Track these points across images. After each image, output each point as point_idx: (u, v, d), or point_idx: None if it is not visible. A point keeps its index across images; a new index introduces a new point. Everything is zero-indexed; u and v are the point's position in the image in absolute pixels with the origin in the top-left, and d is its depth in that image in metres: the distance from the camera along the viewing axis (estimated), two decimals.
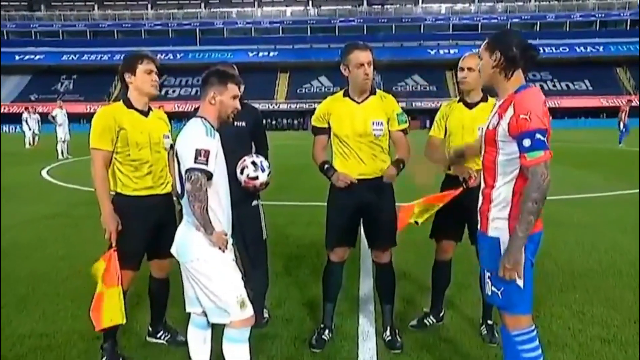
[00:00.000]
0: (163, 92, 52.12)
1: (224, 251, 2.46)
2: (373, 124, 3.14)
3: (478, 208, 2.41)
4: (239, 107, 2.61)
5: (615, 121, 22.85)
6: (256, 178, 3.17)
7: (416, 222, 3.26)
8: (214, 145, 2.42)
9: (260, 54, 53.88)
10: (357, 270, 4.61)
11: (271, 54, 54.19)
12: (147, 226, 2.99)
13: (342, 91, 3.27)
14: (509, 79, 2.30)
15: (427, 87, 52.08)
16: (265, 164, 3.22)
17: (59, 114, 17.42)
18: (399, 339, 3.28)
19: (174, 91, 52.77)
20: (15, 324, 3.59)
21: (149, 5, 57.87)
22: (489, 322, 3.40)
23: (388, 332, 3.33)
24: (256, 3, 58.17)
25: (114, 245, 2.85)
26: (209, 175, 2.39)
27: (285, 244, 5.65)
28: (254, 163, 3.17)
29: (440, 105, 3.57)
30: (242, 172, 3.16)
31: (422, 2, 57.37)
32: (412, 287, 4.25)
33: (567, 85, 51.67)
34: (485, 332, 3.38)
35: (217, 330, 2.64)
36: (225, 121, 2.59)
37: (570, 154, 16.82)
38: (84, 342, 3.29)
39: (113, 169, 2.96)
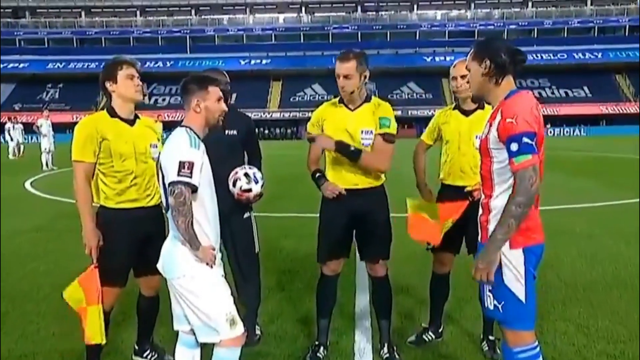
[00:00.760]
0: (152, 100, 52.13)
1: (211, 267, 2.41)
2: (362, 132, 3.11)
3: (478, 219, 2.38)
4: (226, 108, 2.57)
5: (615, 129, 22.99)
6: (249, 190, 3.12)
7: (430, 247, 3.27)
8: (199, 156, 2.36)
9: (253, 61, 54.01)
10: (352, 284, 4.56)
11: (263, 61, 54.35)
12: (133, 241, 2.93)
13: (338, 97, 3.24)
14: (499, 86, 2.30)
15: (423, 94, 52.36)
16: (259, 175, 3.18)
17: (44, 124, 17.35)
18: (396, 356, 3.23)
19: (163, 99, 52.71)
20: None
21: (138, 12, 57.97)
22: (491, 337, 3.36)
23: (385, 349, 3.28)
24: (248, 10, 58.43)
25: (95, 261, 2.79)
26: (194, 189, 2.33)
27: (278, 257, 5.60)
28: (246, 175, 3.13)
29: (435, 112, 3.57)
30: (234, 185, 3.12)
31: (417, 9, 57.85)
32: (409, 302, 4.20)
33: (565, 92, 52.09)
34: (487, 348, 3.34)
35: (207, 349, 2.58)
36: (215, 126, 2.54)
37: (569, 162, 16.89)
38: None
39: (96, 180, 2.91)
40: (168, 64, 53.25)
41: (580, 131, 49.14)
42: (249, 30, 57.29)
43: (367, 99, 3.19)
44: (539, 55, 52.94)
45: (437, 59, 52.09)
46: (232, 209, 3.20)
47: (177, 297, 2.45)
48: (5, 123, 23.35)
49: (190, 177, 2.30)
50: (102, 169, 2.88)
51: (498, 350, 3.23)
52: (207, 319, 2.39)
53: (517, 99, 2.25)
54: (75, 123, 3.04)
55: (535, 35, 55.40)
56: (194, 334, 2.49)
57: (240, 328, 2.44)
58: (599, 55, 52.38)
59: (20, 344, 3.52)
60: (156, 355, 3.27)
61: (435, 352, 3.37)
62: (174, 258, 2.43)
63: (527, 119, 2.15)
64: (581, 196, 9.61)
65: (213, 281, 2.43)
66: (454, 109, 3.40)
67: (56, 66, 53.63)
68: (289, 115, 50.16)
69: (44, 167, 16.63)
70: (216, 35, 57.24)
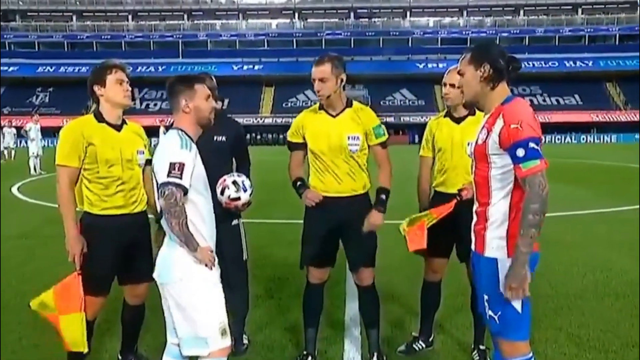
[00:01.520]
0: (144, 105, 51.92)
1: (211, 268, 2.36)
2: (349, 138, 3.07)
3: (472, 227, 2.35)
4: (217, 105, 2.53)
5: (606, 135, 23.19)
6: (238, 199, 3.08)
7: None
8: (190, 157, 2.32)
9: (245, 67, 54.00)
10: (342, 292, 4.52)
11: (256, 67, 54.35)
12: (117, 248, 2.87)
13: (318, 104, 3.21)
14: (494, 91, 2.28)
15: (416, 101, 52.55)
16: (247, 183, 3.14)
17: (33, 128, 17.24)
18: None
19: (155, 104, 52.47)
20: None
21: (130, 17, 57.82)
22: (481, 347, 3.33)
23: (375, 359, 3.24)
24: (241, 15, 58.47)
25: (78, 268, 2.73)
26: (185, 190, 2.28)
27: (267, 264, 5.54)
28: (235, 183, 3.09)
29: (428, 120, 3.54)
30: (222, 193, 3.08)
31: (410, 16, 58.15)
32: (399, 310, 4.17)
33: (557, 100, 52.50)
34: (478, 357, 3.32)
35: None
36: (208, 125, 2.49)
37: (560, 170, 16.97)
38: None
39: (80, 186, 2.85)
40: (160, 69, 53.06)
41: (571, 139, 49.50)
42: (241, 36, 57.27)
43: (349, 104, 3.15)
44: (530, 63, 53.30)
45: (429, 65, 52.31)
46: (220, 216, 3.14)
47: (171, 305, 2.38)
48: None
49: (181, 178, 2.26)
50: (87, 174, 2.83)
51: None
52: (199, 328, 2.32)
53: (517, 104, 2.23)
54: None
55: (527, 43, 55.83)
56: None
57: (229, 338, 2.39)
58: (590, 64, 52.89)
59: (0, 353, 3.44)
60: None
61: None
62: (169, 262, 2.37)
63: (531, 124, 2.14)
64: (572, 204, 9.63)
65: (209, 286, 2.37)
66: (445, 116, 3.38)
67: (46, 70, 53.31)
68: (281, 121, 50.03)
69: (32, 172, 16.49)
70: (209, 41, 57.18)
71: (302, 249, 3.26)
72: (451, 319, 3.92)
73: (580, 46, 54.92)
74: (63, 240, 2.82)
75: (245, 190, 3.09)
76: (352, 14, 57.79)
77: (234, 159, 3.47)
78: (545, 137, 43.64)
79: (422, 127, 3.57)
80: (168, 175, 2.25)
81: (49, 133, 29.84)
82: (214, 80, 3.43)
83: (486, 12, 57.68)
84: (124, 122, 2.98)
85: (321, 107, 3.17)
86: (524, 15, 57.04)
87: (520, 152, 2.10)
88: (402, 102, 52.44)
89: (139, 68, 51.69)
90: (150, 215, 3.10)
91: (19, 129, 22.19)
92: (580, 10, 56.29)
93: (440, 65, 51.52)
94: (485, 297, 2.28)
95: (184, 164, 2.27)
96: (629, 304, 4.25)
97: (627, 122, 48.50)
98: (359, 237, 3.13)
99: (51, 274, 4.94)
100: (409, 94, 53.08)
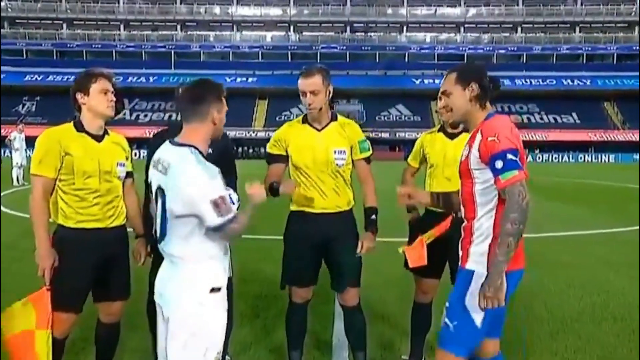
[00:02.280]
0: (133, 116, 51.91)
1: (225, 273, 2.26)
2: (335, 152, 3.05)
3: (459, 242, 2.35)
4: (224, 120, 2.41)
5: (604, 155, 23.37)
6: None
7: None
8: (220, 181, 2.17)
9: (238, 79, 54.21)
10: (330, 312, 4.44)
11: (250, 79, 54.60)
12: (91, 263, 2.80)
13: (302, 117, 3.18)
14: (484, 109, 2.35)
15: (411, 116, 52.89)
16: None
17: (17, 137, 17.13)
18: None
19: (145, 116, 52.51)
20: None
21: (122, 26, 58.07)
22: None
23: None
24: (235, 27, 58.88)
25: (47, 283, 2.66)
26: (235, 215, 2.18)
27: (254, 281, 5.46)
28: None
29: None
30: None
31: (407, 31, 58.80)
32: (389, 331, 4.09)
33: (554, 118, 53.02)
34: None
35: None
36: (217, 139, 2.38)
37: (557, 189, 17.05)
38: None
39: (55, 197, 2.78)
40: (151, 80, 53.22)
41: (568, 158, 49.91)
42: (235, 48, 57.63)
43: (334, 118, 3.14)
44: (527, 80, 53.99)
45: (425, 81, 52.75)
46: None
47: (171, 333, 2.20)
48: None
49: (230, 210, 2.15)
50: (62, 185, 2.76)
51: None
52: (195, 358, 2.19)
53: (494, 119, 2.29)
54: None
55: (524, 61, 56.54)
56: None
57: None
58: (588, 82, 53.58)
59: None
60: None
61: None
62: (177, 287, 2.20)
63: (508, 136, 2.18)
64: (569, 224, 9.64)
65: (222, 314, 2.24)
66: (439, 131, 3.36)
67: (34, 78, 53.28)
68: None
69: (14, 183, 16.34)
70: (202, 52, 57.46)
71: (284, 268, 3.20)
72: None
73: (578, 64, 55.68)
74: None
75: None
76: (348, 28, 58.37)
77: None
78: (542, 156, 43.94)
79: None
80: (219, 216, 2.11)
81: (35, 143, 29.70)
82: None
83: (483, 29, 58.45)
84: (105, 132, 2.92)
85: (305, 121, 3.14)
86: (521, 32, 57.83)
87: (499, 164, 2.14)
88: (397, 118, 52.77)
89: (130, 78, 51.79)
90: (129, 229, 3.04)
91: (3, 138, 22.10)
92: (578, 29, 57.17)
93: (437, 81, 51.88)
94: (447, 304, 2.30)
95: (223, 196, 2.14)
96: (627, 328, 4.20)
97: (626, 141, 49.01)
98: (344, 255, 3.08)
99: (26, 289, 4.85)
100: (405, 110, 53.45)
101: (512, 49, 57.15)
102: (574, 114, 53.00)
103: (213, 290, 2.19)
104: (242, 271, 4.16)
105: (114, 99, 2.88)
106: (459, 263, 2.34)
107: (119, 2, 57.31)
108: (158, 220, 2.25)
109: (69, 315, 2.78)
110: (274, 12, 58.55)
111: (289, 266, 3.17)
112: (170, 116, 44.66)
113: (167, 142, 2.29)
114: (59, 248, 2.74)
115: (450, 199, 2.69)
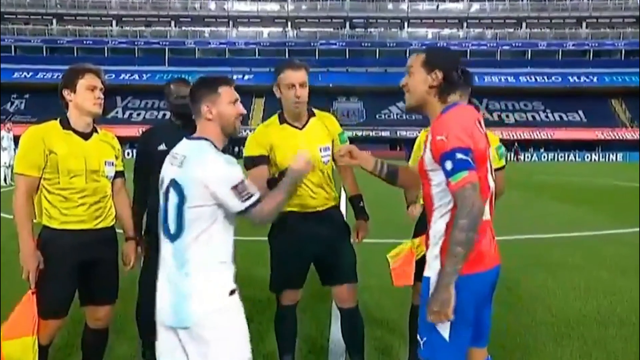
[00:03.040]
0: (127, 115, 51.92)
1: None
2: (321, 150, 3.05)
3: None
4: (244, 110, 2.38)
5: (611, 154, 23.38)
6: None
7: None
8: (237, 164, 2.19)
9: (235, 76, 53.70)
10: (326, 314, 4.42)
11: (246, 76, 54.59)
12: (76, 266, 2.77)
13: (277, 117, 3.13)
14: (443, 102, 2.19)
15: (413, 115, 52.80)
16: None
17: (5, 136, 17.12)
18: None
19: (138, 114, 52.50)
20: None
21: (114, 22, 58.06)
22: None
23: None
24: (231, 22, 58.90)
25: (32, 286, 2.63)
26: (260, 197, 2.20)
27: (248, 285, 5.39)
28: None
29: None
30: None
31: (408, 27, 58.87)
32: (387, 336, 4.07)
33: (559, 116, 53.11)
34: None
35: None
36: (234, 133, 2.35)
37: (563, 189, 17.05)
38: None
39: (40, 197, 2.76)
40: (144, 77, 53.23)
41: (575, 157, 49.97)
42: (231, 44, 57.66)
43: (312, 113, 3.13)
44: (532, 77, 54.09)
45: None
46: None
47: (191, 352, 2.14)
48: None
49: (253, 194, 2.16)
50: (46, 184, 2.73)
51: None
52: None
53: (451, 113, 2.14)
54: None
55: (529, 57, 56.63)
56: None
57: None
58: (595, 79, 53.67)
59: None
60: None
61: None
62: (188, 298, 2.12)
63: (458, 134, 2.03)
64: (574, 225, 9.62)
65: (242, 318, 2.21)
66: None
67: (23, 75, 53.25)
68: None
69: (2, 183, 16.33)
70: (197, 48, 57.48)
71: (274, 272, 3.17)
72: None
73: (584, 61, 55.76)
74: None
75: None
76: (347, 24, 58.41)
77: None
78: (547, 155, 43.91)
79: None
80: (242, 201, 2.13)
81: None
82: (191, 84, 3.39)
83: (487, 24, 58.53)
84: (94, 130, 2.90)
85: (282, 121, 3.09)
86: (526, 28, 57.91)
87: (449, 165, 2.01)
88: (398, 116, 52.78)
89: (122, 75, 51.81)
90: (119, 231, 3.02)
91: None
92: (584, 24, 57.27)
93: None
94: (419, 318, 2.19)
95: (243, 180, 2.15)
96: (635, 332, 4.18)
97: (634, 140, 49.07)
98: (338, 250, 3.09)
99: (15, 293, 4.82)
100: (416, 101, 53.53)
101: (517, 45, 57.24)
102: (580, 112, 53.09)
103: (232, 292, 2.19)
104: (237, 275, 4.12)
105: (102, 96, 2.85)
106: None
107: None
108: (171, 218, 2.18)
109: (54, 320, 2.76)
110: (271, 7, 58.58)
111: (280, 269, 3.14)
112: (164, 114, 44.59)
113: (185, 139, 2.31)
114: (44, 250, 2.71)
115: (395, 173, 2.53)
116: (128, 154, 31.62)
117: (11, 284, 5.26)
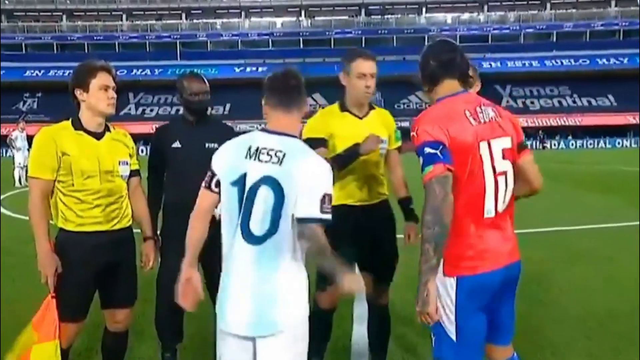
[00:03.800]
0: (139, 111, 52.38)
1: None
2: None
3: None
4: None
5: None
6: None
7: None
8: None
9: (248, 69, 54.38)
10: (349, 315, 4.44)
11: (260, 69, 54.62)
12: (94, 269, 2.82)
13: (338, 105, 3.18)
14: (435, 93, 2.28)
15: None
16: None
17: (19, 136, 17.37)
18: None
19: (151, 110, 52.96)
20: None
21: (124, 16, 58.54)
22: None
23: None
24: (243, 13, 58.98)
25: (52, 290, 2.69)
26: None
27: None
28: None
29: None
30: (216, 206, 3.02)
31: (426, 12, 58.33)
32: (412, 334, 4.07)
33: (588, 101, 52.22)
34: None
35: None
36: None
37: (593, 178, 16.80)
38: None
39: (55, 200, 2.81)
40: (156, 72, 53.57)
41: (605, 143, 49.17)
42: (244, 36, 57.74)
43: (372, 106, 3.22)
44: (558, 61, 53.21)
45: None
46: (214, 235, 3.10)
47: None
48: None
49: (330, 214, 2.05)
50: (61, 187, 2.78)
51: None
52: None
53: (431, 107, 2.23)
54: None
55: (555, 40, 55.73)
56: None
57: None
58: (625, 61, 52.58)
59: None
60: None
61: None
62: (284, 302, 2.08)
63: (426, 128, 2.08)
64: (607, 215, 9.48)
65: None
66: None
67: (34, 74, 53.99)
68: None
69: (17, 184, 16.60)
70: (209, 41, 57.69)
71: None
72: None
73: (613, 41, 54.64)
74: None
75: None
76: (363, 11, 58.09)
77: None
78: (575, 142, 43.10)
79: None
80: (321, 212, 2.03)
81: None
82: (207, 83, 3.42)
83: (509, 7, 57.71)
84: (107, 128, 2.93)
85: (344, 109, 3.15)
86: (551, 9, 56.96)
87: (420, 160, 2.07)
88: (418, 106, 52.31)
89: (134, 71, 52.25)
90: (136, 231, 3.05)
91: (4, 137, 22.42)
92: (613, 3, 56.09)
93: None
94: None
95: (331, 195, 2.08)
96: None
97: None
98: (382, 247, 3.15)
99: (29, 297, 4.90)
100: (425, 97, 53.17)
101: (541, 27, 56.34)
102: (610, 96, 52.11)
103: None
104: None
105: (114, 95, 2.87)
106: None
107: None
108: (258, 219, 2.07)
109: (73, 324, 2.80)
110: None
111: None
112: (177, 110, 44.92)
113: (260, 132, 2.21)
114: (60, 254, 2.76)
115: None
116: (142, 151, 31.92)
117: (23, 286, 5.37)
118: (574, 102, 52.52)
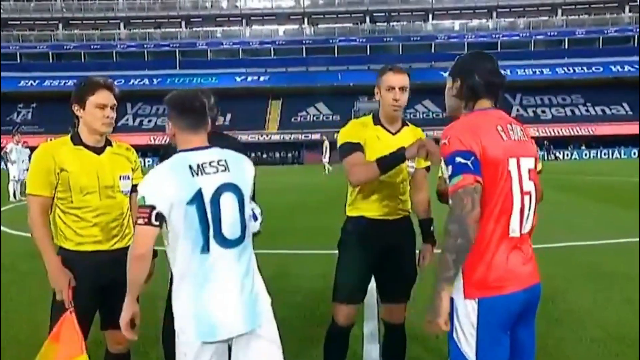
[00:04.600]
0: (137, 122, 52.59)
1: None
2: (409, 160, 3.07)
3: None
4: None
5: None
6: None
7: None
8: None
9: (249, 78, 54.63)
10: (360, 333, 4.41)
11: (262, 78, 54.95)
12: (93, 290, 2.82)
13: (371, 117, 3.24)
14: (469, 109, 2.28)
15: (440, 113, 52.51)
16: (257, 211, 3.08)
17: (14, 149, 17.41)
18: None
19: (149, 121, 53.13)
20: None
21: (122, 25, 58.97)
22: None
23: None
24: (244, 21, 59.37)
25: (68, 305, 2.69)
26: None
27: (271, 303, 5.44)
28: None
29: None
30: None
31: (433, 18, 58.59)
32: (428, 355, 4.04)
33: (602, 110, 52.18)
34: None
35: None
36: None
37: (609, 190, 16.71)
38: None
39: (54, 217, 2.82)
40: (155, 82, 53.82)
41: (620, 153, 49.04)
42: (245, 44, 58.05)
43: (405, 122, 3.26)
44: (570, 68, 53.29)
45: None
46: None
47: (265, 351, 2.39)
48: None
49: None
50: (59, 204, 2.79)
51: None
52: None
53: (463, 117, 2.24)
54: None
55: (566, 46, 55.84)
56: None
57: None
58: None
59: None
60: None
61: None
62: (264, 295, 2.44)
63: (460, 137, 2.09)
64: (626, 230, 9.40)
65: None
66: None
67: (29, 84, 54.34)
68: (290, 138, 50.40)
69: (11, 198, 16.61)
70: (209, 50, 58.02)
71: (339, 279, 3.22)
72: None
73: (628, 48, 54.64)
74: (40, 278, 2.79)
75: (255, 219, 3.02)
76: (367, 18, 58.38)
77: None
78: (589, 152, 42.90)
79: None
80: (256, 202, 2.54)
81: (32, 153, 30.24)
82: (212, 97, 3.42)
83: (519, 13, 57.94)
84: (108, 143, 2.95)
85: (377, 122, 3.19)
86: (562, 15, 57.15)
87: (450, 169, 2.08)
88: (424, 115, 52.44)
89: (132, 81, 52.51)
90: None
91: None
92: (627, 8, 56.24)
93: None
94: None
95: None
96: None
97: None
98: (402, 264, 3.19)
99: (25, 315, 4.91)
100: (433, 106, 53.07)
101: (552, 33, 56.49)
102: (625, 104, 52.06)
103: None
104: None
105: (113, 114, 2.87)
106: None
107: None
108: (229, 223, 2.29)
109: None
110: (286, 3, 58.87)
111: (345, 277, 3.18)
112: None
113: (184, 153, 2.35)
114: None
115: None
116: (140, 163, 31.94)
117: (22, 303, 5.36)
118: (587, 110, 52.48)
